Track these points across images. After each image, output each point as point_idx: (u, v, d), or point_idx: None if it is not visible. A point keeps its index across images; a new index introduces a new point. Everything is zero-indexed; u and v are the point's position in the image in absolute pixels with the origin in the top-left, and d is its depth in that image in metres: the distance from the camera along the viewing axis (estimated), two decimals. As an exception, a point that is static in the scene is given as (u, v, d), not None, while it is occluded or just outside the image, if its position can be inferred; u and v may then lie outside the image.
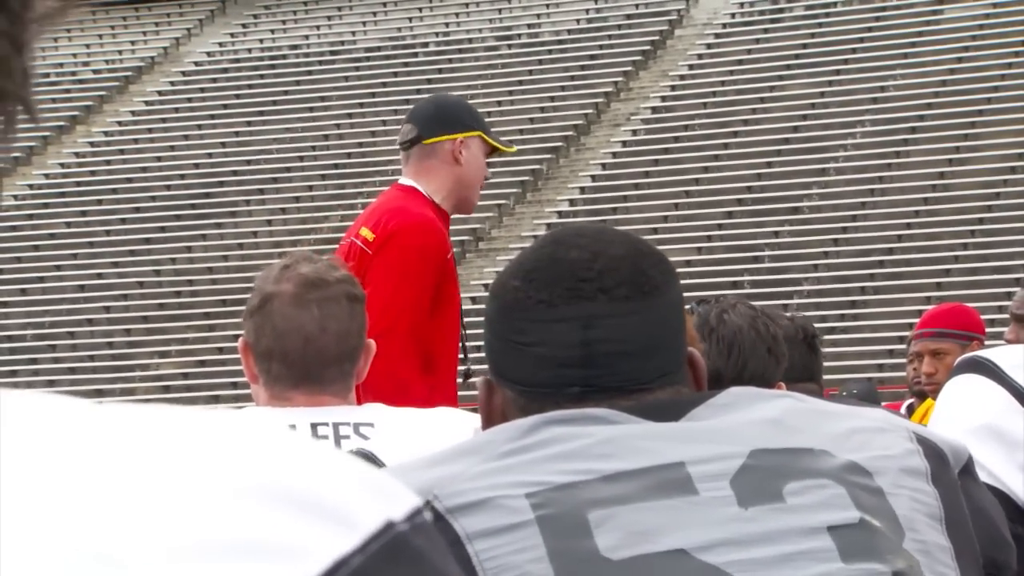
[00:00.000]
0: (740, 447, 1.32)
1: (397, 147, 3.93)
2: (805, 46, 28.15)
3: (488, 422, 1.37)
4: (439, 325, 3.72)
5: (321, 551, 0.54)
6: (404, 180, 3.81)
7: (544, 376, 1.36)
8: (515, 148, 4.12)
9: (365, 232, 3.77)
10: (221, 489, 0.55)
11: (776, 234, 24.10)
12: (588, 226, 1.42)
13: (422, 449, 2.31)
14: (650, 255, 1.39)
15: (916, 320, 5.52)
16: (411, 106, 3.78)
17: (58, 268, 27.07)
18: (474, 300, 20.02)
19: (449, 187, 3.76)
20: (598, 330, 1.35)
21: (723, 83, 28.00)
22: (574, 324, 1.35)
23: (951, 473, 1.37)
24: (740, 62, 28.37)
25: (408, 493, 0.57)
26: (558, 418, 1.32)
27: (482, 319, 1.41)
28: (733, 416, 1.34)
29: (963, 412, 1.43)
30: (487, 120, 4.16)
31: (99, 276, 26.64)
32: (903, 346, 21.73)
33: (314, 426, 2.33)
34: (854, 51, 27.53)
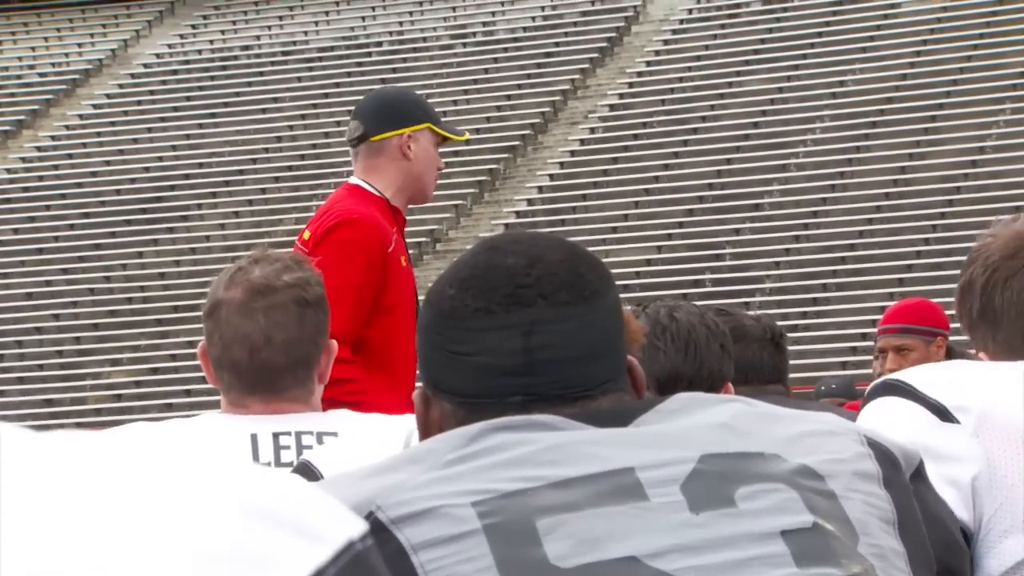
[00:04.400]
0: (690, 452, 1.32)
1: (344, 149, 3.93)
2: (763, 41, 28.27)
3: (425, 436, 1.35)
4: (390, 325, 3.64)
5: (300, 561, 0.63)
6: (353, 179, 3.79)
7: (485, 386, 1.34)
8: (467, 135, 4.04)
9: (306, 234, 3.77)
10: (208, 507, 0.63)
11: (737, 231, 24.19)
12: (523, 232, 1.41)
13: (369, 457, 2.29)
14: (587, 259, 1.38)
15: (879, 316, 5.54)
16: None
17: (5, 276, 26.85)
18: (432, 303, 19.99)
19: (400, 183, 3.73)
20: (540, 336, 1.34)
21: (681, 79, 28.09)
22: (515, 331, 1.34)
23: (903, 477, 1.37)
24: (698, 58, 28.47)
25: (358, 518, 0.66)
26: (503, 425, 1.31)
27: None
28: (682, 421, 1.33)
29: (886, 432, 1.43)
30: (442, 115, 4.14)
31: (48, 283, 26.46)
32: (867, 343, 21.90)
33: (276, 435, 2.33)
34: (812, 45, 27.68)
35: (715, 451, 1.32)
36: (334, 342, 2.41)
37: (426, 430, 1.38)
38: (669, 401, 1.35)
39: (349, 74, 30.60)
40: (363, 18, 32.10)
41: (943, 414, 1.72)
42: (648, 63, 28.99)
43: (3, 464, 0.61)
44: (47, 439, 0.65)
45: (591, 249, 1.44)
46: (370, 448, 2.24)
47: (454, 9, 31.61)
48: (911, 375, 1.80)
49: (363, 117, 3.75)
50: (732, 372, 2.52)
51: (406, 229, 3.84)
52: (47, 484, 0.61)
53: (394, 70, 30.38)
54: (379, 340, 3.62)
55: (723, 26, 29.04)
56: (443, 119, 3.87)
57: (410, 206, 3.82)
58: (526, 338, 1.34)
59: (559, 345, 1.34)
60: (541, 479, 1.28)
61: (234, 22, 33.13)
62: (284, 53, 31.78)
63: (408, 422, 2.30)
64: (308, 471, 2.16)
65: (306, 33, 32.12)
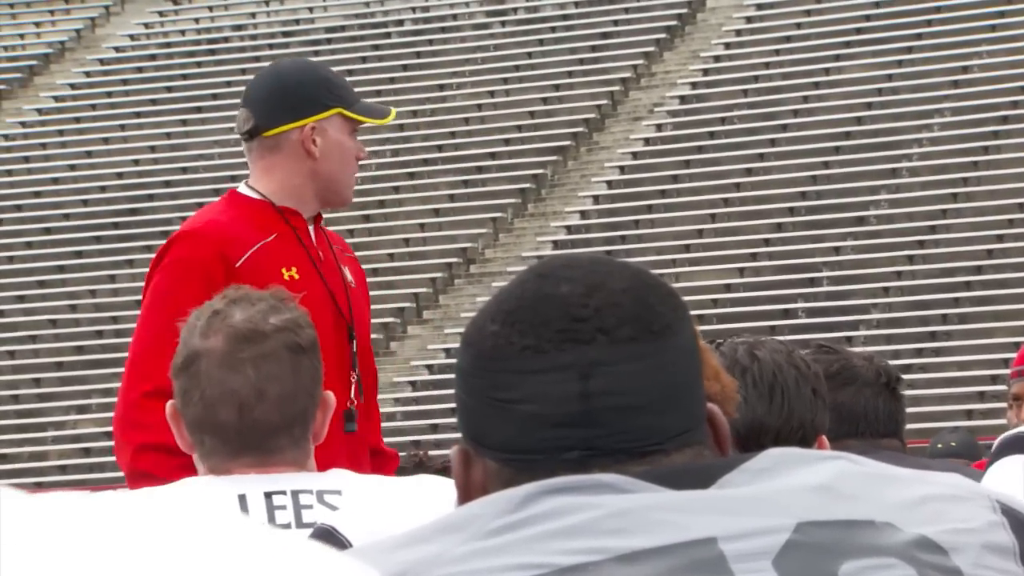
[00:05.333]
0: (784, 519, 1.33)
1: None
2: (868, 18, 28.23)
3: (466, 500, 1.36)
4: None
5: None
6: (241, 185, 3.72)
7: (535, 439, 1.34)
8: (392, 113, 3.79)
9: None
10: None
11: (837, 251, 24.13)
12: (580, 255, 1.41)
13: (396, 522, 2.33)
14: (658, 288, 1.38)
15: (1013, 355, 5.52)
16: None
17: (-51, 304, 27.08)
18: (464, 337, 20.04)
19: (300, 183, 3.61)
20: (599, 380, 1.34)
21: (767, 65, 28.07)
22: (569, 373, 1.34)
23: (1044, 550, 1.37)
24: (788, 38, 28.44)
25: None
26: (559, 486, 1.32)
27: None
28: (774, 482, 1.34)
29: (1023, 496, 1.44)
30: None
31: (0, 314, 26.66)
32: (998, 387, 21.69)
33: (268, 495, 2.36)
34: (928, 23, 27.61)
35: (814, 518, 1.33)
36: (330, 394, 2.44)
37: (467, 493, 1.38)
38: (758, 458, 1.35)
39: (364, 59, 30.76)
40: (381, -8, 32.27)
41: None
42: (727, 45, 28.99)
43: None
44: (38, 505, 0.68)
45: (657, 272, 1.45)
46: (403, 511, 2.27)
47: (491, -20, 31.75)
48: None
49: (253, 105, 3.61)
50: (827, 423, 2.52)
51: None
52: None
53: (418, 54, 30.53)
54: None
55: (819, 0, 29.01)
56: (362, 98, 3.69)
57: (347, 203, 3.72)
58: (583, 382, 1.34)
59: (623, 390, 1.34)
60: (605, 551, 1.28)
61: (225, -3, 33.38)
62: (284, 35, 31.98)
63: (430, 486, 2.32)
64: (331, 537, 2.19)
65: (311, 10, 32.31)
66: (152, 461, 3.30)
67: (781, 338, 2.68)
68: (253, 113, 3.59)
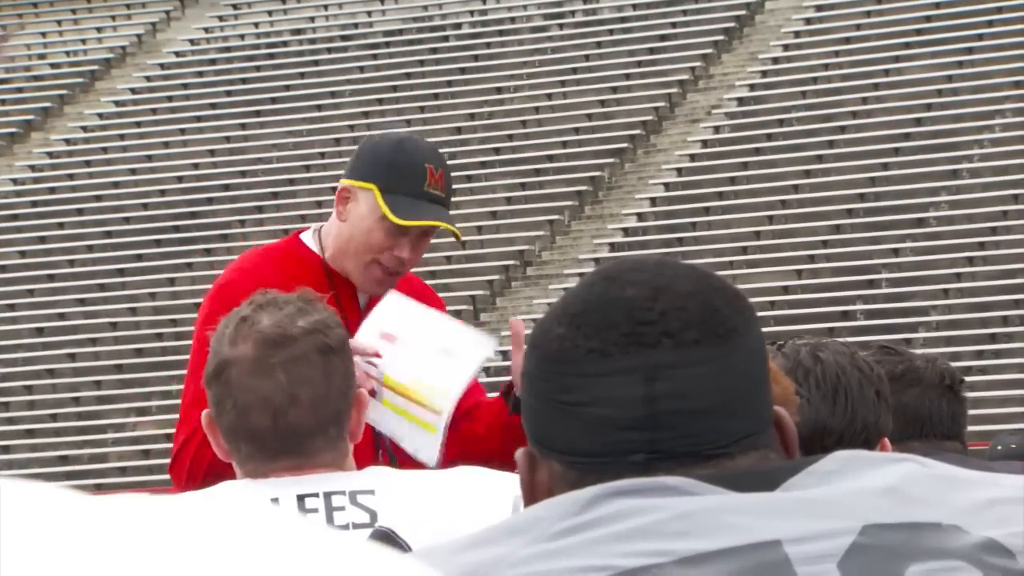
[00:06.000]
0: (850, 522, 1.32)
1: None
2: (928, 18, 28.08)
3: (531, 502, 1.37)
4: None
5: None
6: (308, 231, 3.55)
7: (600, 443, 1.35)
8: (435, 223, 3.38)
9: None
10: None
11: (896, 252, 24.01)
12: (647, 258, 1.42)
13: (436, 521, 2.34)
14: (724, 290, 1.39)
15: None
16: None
17: (11, 307, 27.31)
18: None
19: (336, 244, 3.41)
20: (664, 383, 1.34)
21: (826, 66, 27.96)
22: (635, 377, 1.34)
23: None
24: (847, 40, 28.33)
25: None
26: (623, 489, 1.32)
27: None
28: (840, 484, 1.34)
29: None
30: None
31: (62, 316, 26.87)
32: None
33: (300, 498, 2.36)
34: (990, 23, 27.43)
35: (880, 521, 1.32)
36: (364, 391, 2.45)
37: (532, 495, 1.39)
38: (825, 460, 1.35)
39: (422, 63, 30.83)
40: (438, -5, 32.34)
41: None
42: (785, 47, 28.89)
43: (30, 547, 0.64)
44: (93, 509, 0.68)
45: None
46: (462, 513, 2.27)
47: (548, -17, 31.75)
48: None
49: None
50: (890, 425, 2.51)
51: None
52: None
53: (475, 57, 30.57)
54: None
55: (879, 0, 28.88)
56: (411, 193, 3.36)
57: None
58: (649, 385, 1.34)
59: (688, 393, 1.34)
60: (668, 554, 1.28)
61: (283, 1, 33.53)
62: (343, 39, 32.10)
63: (512, 483, 2.31)
64: (390, 540, 2.19)
65: (369, 14, 32.41)
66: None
67: (843, 340, 2.67)
68: None
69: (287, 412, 2.34)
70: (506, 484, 2.43)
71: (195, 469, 3.22)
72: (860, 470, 1.36)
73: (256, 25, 33.02)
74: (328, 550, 0.70)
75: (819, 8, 29.36)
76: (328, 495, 2.37)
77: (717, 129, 27.64)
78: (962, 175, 25.07)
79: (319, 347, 2.36)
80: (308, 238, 3.45)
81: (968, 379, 20.47)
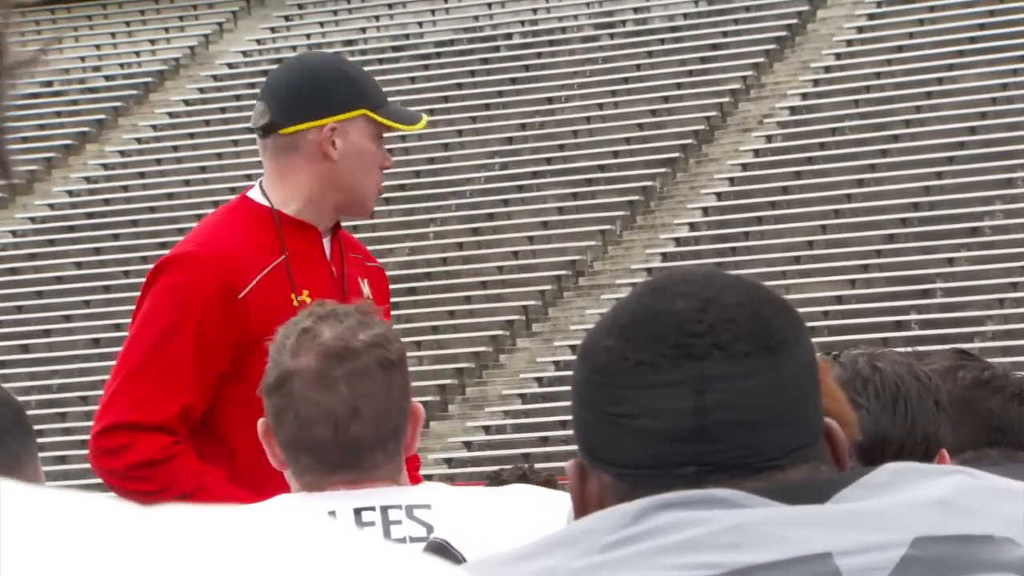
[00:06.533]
0: (901, 534, 1.32)
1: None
2: (982, 26, 27.91)
3: (581, 514, 1.37)
4: (244, 396, 3.00)
5: None
6: (254, 188, 3.37)
7: (650, 454, 1.35)
8: (423, 120, 3.42)
9: None
10: None
11: (950, 261, 23.87)
12: (696, 269, 1.42)
13: (491, 536, 2.34)
14: (773, 302, 1.39)
15: None
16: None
17: (67, 319, 27.50)
18: (574, 350, 20.05)
19: (315, 190, 3.28)
20: (715, 395, 1.34)
21: (878, 75, 27.84)
22: (685, 389, 1.35)
23: None
24: (900, 48, 28.20)
25: None
26: (673, 501, 1.32)
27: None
28: (891, 496, 1.33)
29: None
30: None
31: (116, 328, 27.02)
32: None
33: (357, 511, 2.37)
34: (1043, 31, 27.26)
35: (932, 533, 1.32)
36: (420, 407, 2.45)
37: (582, 507, 1.39)
38: (875, 472, 1.35)
39: (472, 73, 30.87)
40: (489, 5, 32.38)
41: None
42: (838, 55, 28.78)
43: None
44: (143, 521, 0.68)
45: (766, 285, 1.46)
46: (517, 528, 2.27)
47: (599, -7, 31.75)
48: None
49: (272, 98, 3.31)
50: (949, 436, 2.50)
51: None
52: None
53: (526, 67, 30.59)
54: (229, 418, 3.15)
55: (932, 8, 28.74)
56: (390, 101, 3.37)
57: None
58: (698, 397, 1.34)
59: (738, 405, 1.34)
60: (719, 566, 1.28)
61: (335, 12, 33.65)
62: (394, 49, 32.18)
63: (567, 500, 2.31)
64: (445, 552, 2.20)
65: (420, 25, 32.49)
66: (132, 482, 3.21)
67: (901, 350, 2.66)
68: (270, 108, 3.29)
69: (349, 425, 2.35)
70: (561, 501, 2.43)
71: (177, 481, 3.14)
72: (911, 482, 1.35)
73: (308, 36, 33.15)
74: (383, 562, 0.70)
75: (872, 16, 29.25)
76: (385, 509, 2.38)
77: (769, 138, 27.56)
78: (1017, 183, 24.90)
79: (381, 361, 2.37)
80: (258, 197, 3.33)
81: None
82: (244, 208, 3.31)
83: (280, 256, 3.25)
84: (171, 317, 3.17)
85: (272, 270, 3.23)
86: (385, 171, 3.36)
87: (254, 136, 3.49)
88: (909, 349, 2.97)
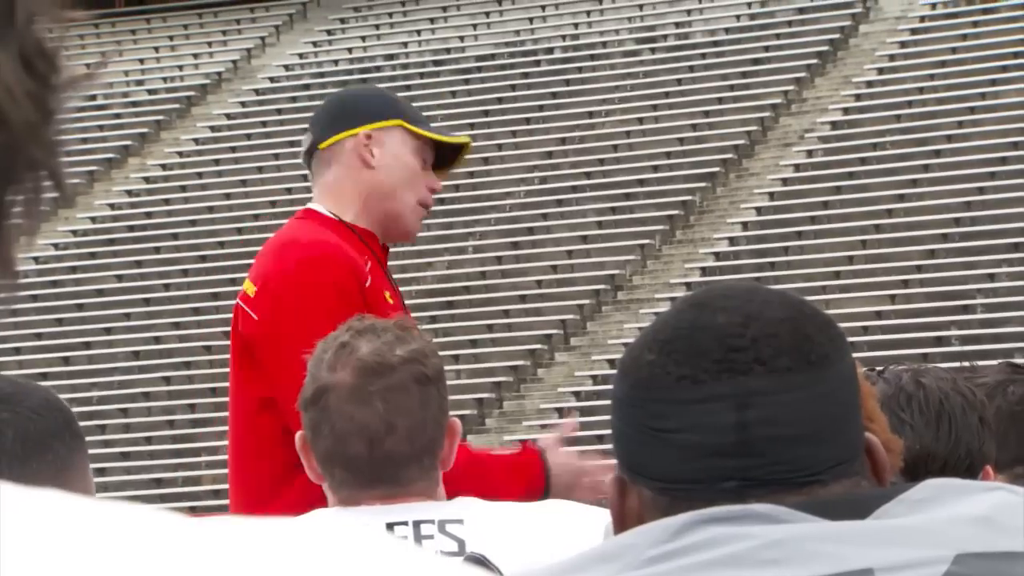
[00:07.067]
0: (942, 551, 1.32)
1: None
2: (1024, 42, 27.79)
3: (622, 529, 1.37)
4: None
5: None
6: (310, 204, 3.36)
7: (692, 469, 1.36)
8: (466, 139, 3.43)
9: (247, 286, 3.43)
10: None
11: (991, 277, 23.74)
12: (737, 284, 1.42)
13: (525, 551, 2.34)
14: (816, 317, 1.39)
15: None
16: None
17: (107, 331, 27.61)
18: (612, 364, 20.02)
19: (362, 198, 3.27)
20: (756, 410, 1.35)
21: (921, 90, 27.74)
22: (727, 404, 1.35)
23: None
24: (943, 63, 28.09)
25: None
26: (714, 516, 1.32)
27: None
28: (932, 513, 1.33)
29: None
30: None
31: (157, 340, 27.13)
32: None
33: (390, 526, 2.37)
34: (1086, 46, 27.12)
35: (973, 550, 1.32)
36: (457, 422, 2.45)
37: (622, 522, 1.39)
38: (917, 488, 1.34)
39: (513, 87, 30.89)
40: (530, 20, 32.41)
41: None
42: (880, 70, 28.70)
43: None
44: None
45: (808, 299, 1.46)
46: (551, 543, 2.28)
47: (641, 8, 31.74)
48: None
49: (312, 126, 3.33)
50: (993, 452, 2.49)
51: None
52: None
53: (567, 81, 30.60)
54: None
55: (975, 23, 28.63)
56: (424, 120, 3.35)
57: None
58: (740, 412, 1.35)
59: (780, 420, 1.35)
60: (760, 582, 1.28)
61: (377, 27, 33.74)
62: (436, 63, 32.24)
63: (602, 516, 2.31)
64: (483, 566, 2.20)
65: (462, 39, 32.54)
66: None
67: (952, 364, 2.65)
68: (311, 133, 3.32)
69: (383, 441, 2.36)
70: (596, 516, 2.43)
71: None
72: (952, 498, 1.35)
73: (350, 51, 33.24)
74: (424, 570, 0.70)
75: (914, 32, 29.15)
76: (417, 523, 2.38)
77: (810, 153, 27.49)
78: (1059, 199, 24.77)
79: (417, 377, 2.37)
80: (321, 209, 3.32)
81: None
82: (316, 218, 3.31)
83: (367, 255, 3.27)
84: (317, 311, 3.15)
85: (370, 267, 3.25)
86: (427, 207, 3.32)
87: (295, 151, 3.51)
88: (959, 364, 2.97)
